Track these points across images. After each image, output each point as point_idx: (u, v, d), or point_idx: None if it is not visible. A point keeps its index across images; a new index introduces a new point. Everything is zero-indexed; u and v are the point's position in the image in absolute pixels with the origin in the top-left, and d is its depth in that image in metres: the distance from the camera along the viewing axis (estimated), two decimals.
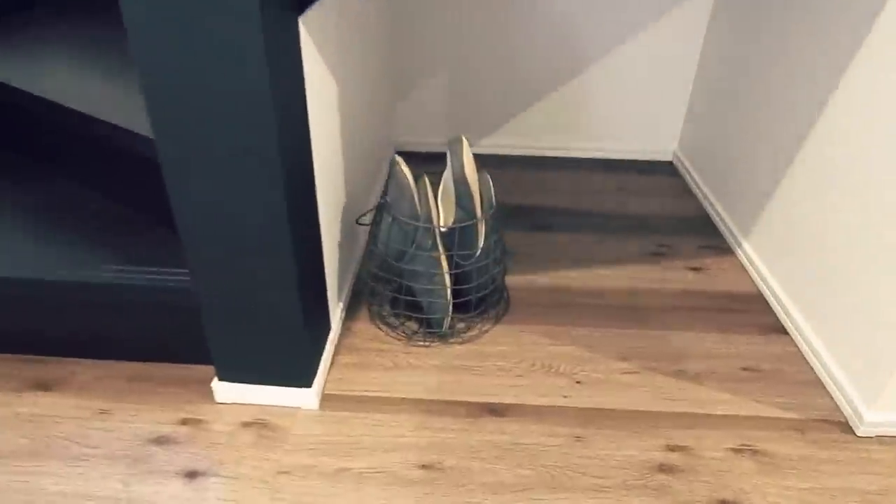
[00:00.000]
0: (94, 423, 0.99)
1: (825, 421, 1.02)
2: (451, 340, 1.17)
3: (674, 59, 1.73)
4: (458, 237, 1.10)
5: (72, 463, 0.92)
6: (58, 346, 1.10)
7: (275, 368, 0.99)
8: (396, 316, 1.22)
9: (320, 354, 1.06)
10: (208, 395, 1.04)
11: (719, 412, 1.03)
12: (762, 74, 1.36)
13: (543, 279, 1.35)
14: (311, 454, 0.94)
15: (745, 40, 1.45)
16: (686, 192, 1.73)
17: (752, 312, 1.26)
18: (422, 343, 1.16)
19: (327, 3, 0.97)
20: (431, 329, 1.17)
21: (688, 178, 1.77)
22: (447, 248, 1.10)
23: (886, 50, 0.97)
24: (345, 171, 1.16)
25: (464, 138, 1.06)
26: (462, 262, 1.11)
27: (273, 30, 0.73)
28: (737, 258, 1.43)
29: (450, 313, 1.13)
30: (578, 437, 0.98)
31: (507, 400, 1.05)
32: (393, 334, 1.18)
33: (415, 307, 1.18)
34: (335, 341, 1.14)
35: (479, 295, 1.15)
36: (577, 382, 1.08)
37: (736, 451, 0.96)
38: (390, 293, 1.20)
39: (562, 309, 1.26)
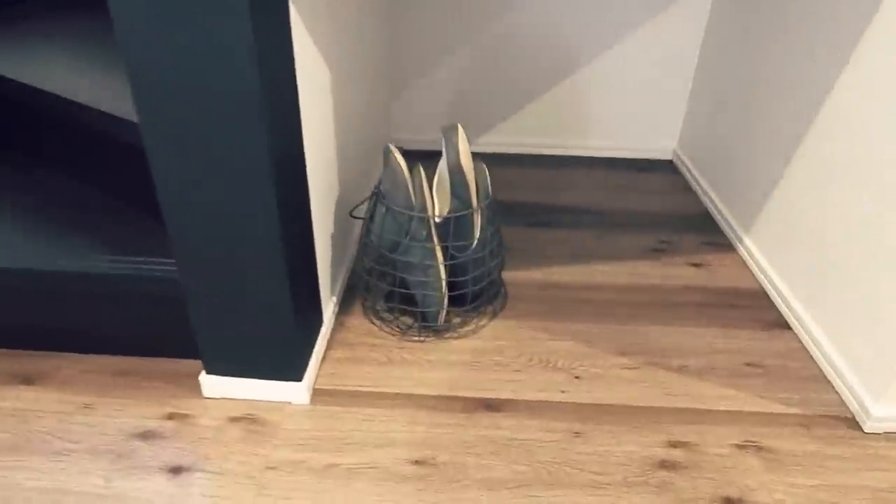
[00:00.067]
0: (77, 417, 0.96)
1: (831, 417, 0.99)
2: (447, 335, 1.14)
3: (673, 58, 1.71)
4: (454, 228, 1.07)
5: (52, 458, 0.89)
6: (43, 339, 1.07)
7: (264, 362, 0.96)
8: (391, 310, 1.19)
9: (311, 348, 1.03)
10: (196, 389, 1.01)
11: (722, 408, 1.00)
12: (761, 71, 1.34)
13: (541, 275, 1.32)
14: (301, 449, 0.91)
15: (744, 37, 1.43)
16: (686, 189, 1.71)
17: (755, 308, 1.23)
18: (416, 338, 1.13)
19: None
20: (426, 323, 1.14)
21: (688, 175, 1.74)
22: (442, 239, 1.08)
23: (886, 46, 0.95)
24: (338, 162, 1.13)
25: (459, 126, 1.03)
26: (457, 254, 1.08)
27: (259, 3, 0.70)
28: (738, 254, 1.41)
29: (445, 307, 1.10)
30: (577, 433, 0.95)
31: (504, 395, 1.02)
32: (387, 329, 1.15)
33: (410, 301, 1.15)
34: (327, 336, 1.11)
35: (475, 288, 1.12)
36: (576, 378, 1.05)
37: (740, 447, 0.93)
38: (386, 287, 1.17)
39: (560, 304, 1.23)
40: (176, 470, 0.88)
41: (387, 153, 1.03)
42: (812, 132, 1.15)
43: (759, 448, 0.93)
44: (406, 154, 1.06)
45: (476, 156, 1.85)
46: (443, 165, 1.10)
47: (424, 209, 1.03)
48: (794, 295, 1.19)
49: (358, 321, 1.17)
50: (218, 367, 0.98)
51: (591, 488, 0.86)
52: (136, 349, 1.07)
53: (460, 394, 1.02)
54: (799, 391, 1.04)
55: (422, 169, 1.06)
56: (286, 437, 0.93)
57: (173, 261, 0.96)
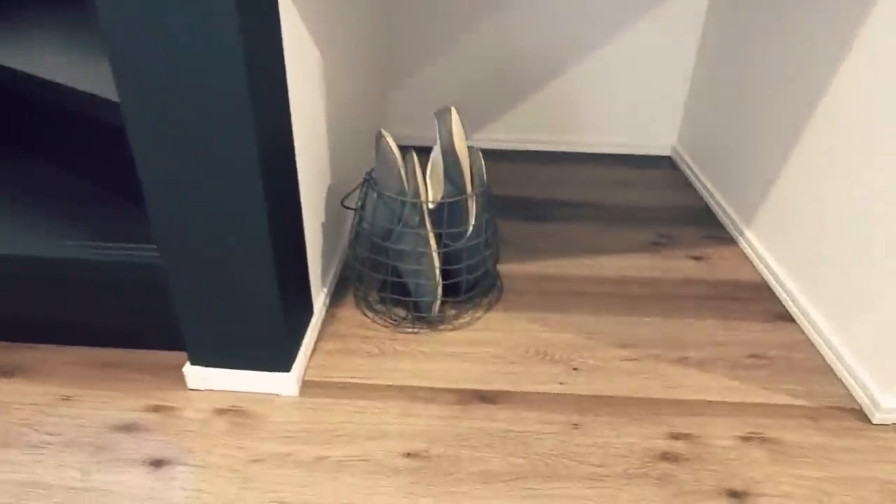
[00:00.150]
0: (58, 409, 0.92)
1: (838, 408, 0.96)
2: (441, 327, 1.10)
3: (672, 55, 1.69)
4: (448, 214, 1.04)
5: (28, 451, 0.85)
6: (24, 331, 1.03)
7: (251, 353, 0.93)
8: (384, 301, 1.15)
9: (300, 339, 0.99)
10: (181, 381, 0.98)
11: (725, 399, 0.97)
12: (760, 65, 1.32)
13: (538, 267, 1.29)
14: (288, 442, 0.88)
15: (743, 32, 1.41)
16: (686, 184, 1.68)
17: (757, 300, 1.20)
18: (410, 330, 1.09)
19: None
20: (420, 314, 1.10)
21: (687, 171, 1.72)
22: (436, 226, 1.05)
23: (882, 41, 0.93)
24: (330, 151, 1.11)
25: (453, 108, 1.01)
26: (451, 242, 1.05)
27: None
28: (739, 247, 1.38)
29: (438, 296, 1.07)
30: (575, 425, 0.91)
31: (500, 387, 0.98)
32: (380, 321, 1.12)
33: (403, 292, 1.12)
34: (318, 327, 1.07)
35: (470, 277, 1.09)
36: (574, 369, 1.02)
37: (744, 439, 0.90)
38: (379, 277, 1.14)
39: (558, 297, 1.20)
40: (157, 463, 0.84)
41: (378, 138, 1.00)
42: (811, 125, 1.12)
43: (764, 440, 0.90)
44: (400, 150, 1.03)
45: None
46: (436, 151, 1.07)
47: (417, 195, 1.00)
48: (797, 286, 1.16)
49: (350, 313, 1.14)
50: (203, 358, 0.94)
51: (590, 480, 0.83)
52: (119, 340, 1.03)
53: (455, 386, 0.98)
54: (804, 383, 1.00)
55: (414, 154, 1.03)
56: (273, 430, 0.90)
57: (155, 246, 0.93)
